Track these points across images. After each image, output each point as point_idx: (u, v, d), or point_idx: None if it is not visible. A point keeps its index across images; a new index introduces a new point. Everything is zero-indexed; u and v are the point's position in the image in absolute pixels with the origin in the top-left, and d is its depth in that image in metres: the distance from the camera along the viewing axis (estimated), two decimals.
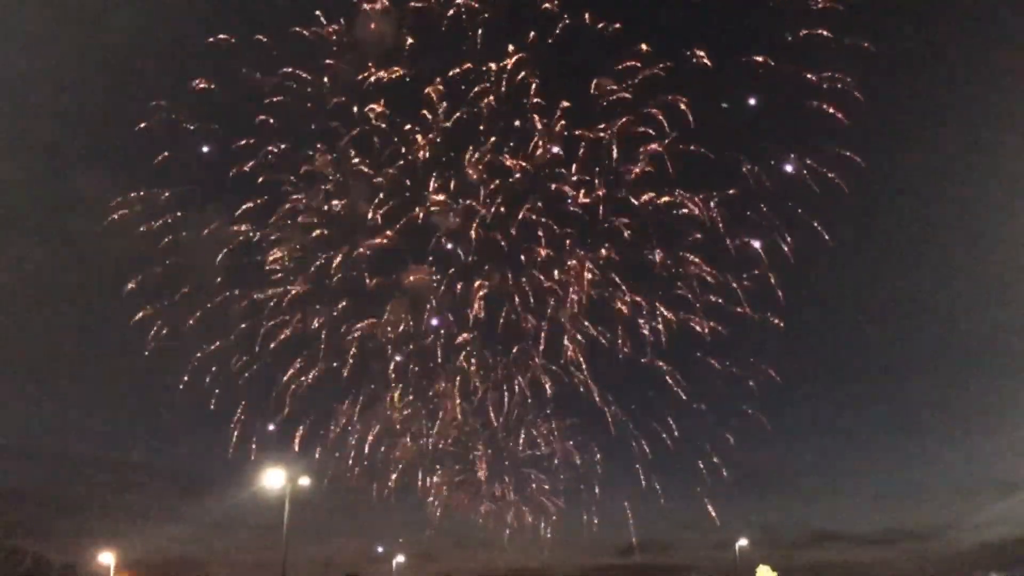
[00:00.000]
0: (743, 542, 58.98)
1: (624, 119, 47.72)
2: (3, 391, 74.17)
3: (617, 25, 46.19)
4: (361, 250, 50.96)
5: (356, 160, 50.12)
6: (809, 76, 47.07)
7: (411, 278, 52.99)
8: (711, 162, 49.36)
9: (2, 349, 68.57)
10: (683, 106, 47.35)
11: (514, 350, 53.66)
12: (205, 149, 49.86)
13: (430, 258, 52.63)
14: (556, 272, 51.82)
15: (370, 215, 50.84)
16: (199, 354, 52.97)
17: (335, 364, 51.91)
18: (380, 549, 68.63)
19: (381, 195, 50.41)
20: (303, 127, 51.01)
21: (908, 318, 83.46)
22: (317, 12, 48.69)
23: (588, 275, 51.45)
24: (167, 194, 51.38)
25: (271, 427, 52.99)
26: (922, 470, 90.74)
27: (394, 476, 56.32)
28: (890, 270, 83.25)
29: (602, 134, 48.07)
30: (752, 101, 48.57)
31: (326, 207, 51.55)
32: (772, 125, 53.29)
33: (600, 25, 46.08)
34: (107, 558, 49.96)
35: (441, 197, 51.06)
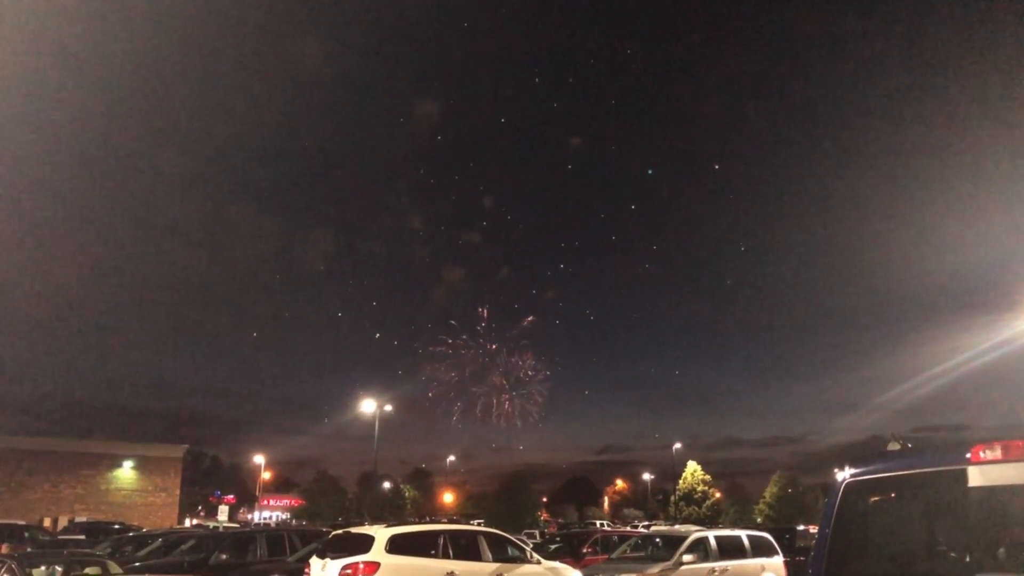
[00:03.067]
0: (678, 445, 77.62)
1: None
2: (188, 354, 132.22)
3: None
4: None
5: None
6: None
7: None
8: None
9: (201, 332, 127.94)
10: None
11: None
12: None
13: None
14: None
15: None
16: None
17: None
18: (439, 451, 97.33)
19: None
20: None
21: (786, 299, 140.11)
22: None
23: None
24: None
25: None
26: (794, 396, 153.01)
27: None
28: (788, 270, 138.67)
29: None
30: None
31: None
32: None
33: None
34: (259, 459, 70.34)
35: None
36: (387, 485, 79.83)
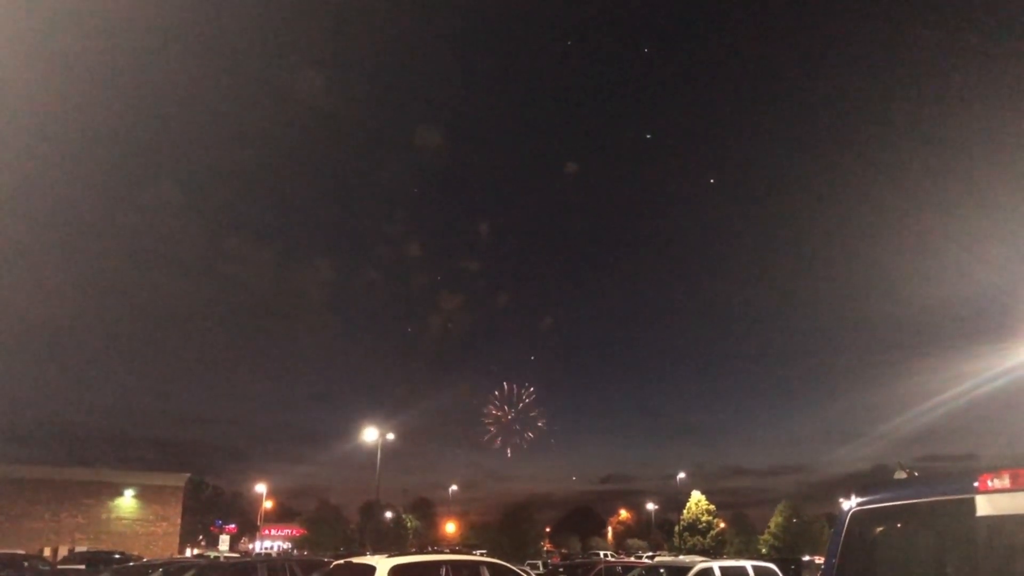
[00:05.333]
0: (681, 475, 78.81)
1: None
2: (190, 382, 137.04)
3: None
4: None
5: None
6: None
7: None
8: None
9: (202, 360, 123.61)
10: None
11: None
12: None
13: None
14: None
15: None
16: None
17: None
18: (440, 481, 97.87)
19: None
20: None
21: (790, 328, 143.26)
22: None
23: None
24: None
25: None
26: (797, 424, 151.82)
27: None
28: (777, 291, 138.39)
29: None
30: None
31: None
32: None
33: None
34: (261, 487, 69.89)
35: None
36: (389, 515, 79.09)
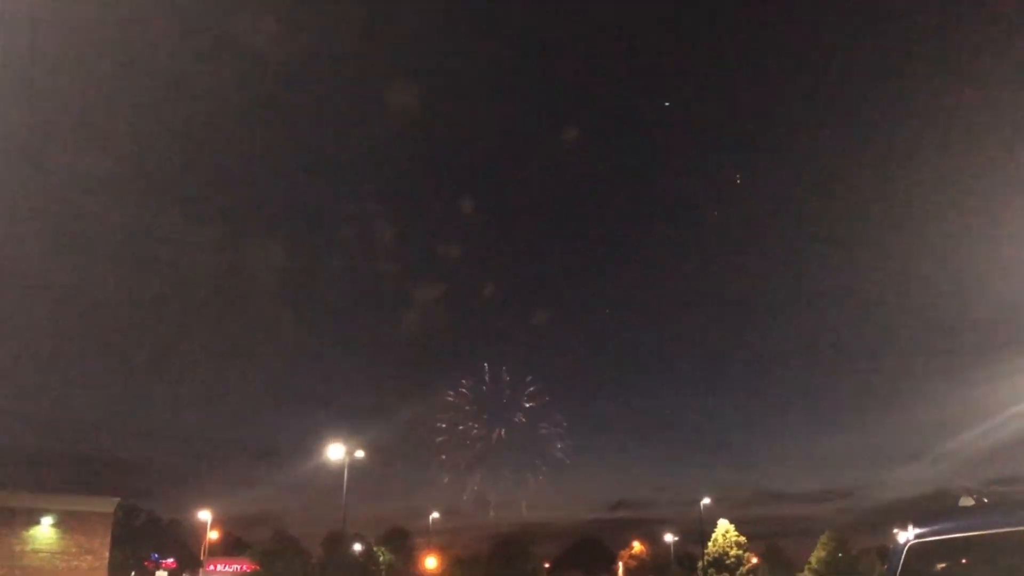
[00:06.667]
0: (706, 500, 76.68)
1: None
2: (119, 389, 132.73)
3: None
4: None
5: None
6: None
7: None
8: None
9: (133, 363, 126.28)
10: None
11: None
12: None
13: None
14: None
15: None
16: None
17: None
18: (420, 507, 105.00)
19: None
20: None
21: (833, 334, 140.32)
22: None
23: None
24: None
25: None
26: (843, 442, 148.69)
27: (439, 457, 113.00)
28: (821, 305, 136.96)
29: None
30: None
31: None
32: None
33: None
34: (204, 515, 69.69)
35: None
36: (358, 547, 79.35)
